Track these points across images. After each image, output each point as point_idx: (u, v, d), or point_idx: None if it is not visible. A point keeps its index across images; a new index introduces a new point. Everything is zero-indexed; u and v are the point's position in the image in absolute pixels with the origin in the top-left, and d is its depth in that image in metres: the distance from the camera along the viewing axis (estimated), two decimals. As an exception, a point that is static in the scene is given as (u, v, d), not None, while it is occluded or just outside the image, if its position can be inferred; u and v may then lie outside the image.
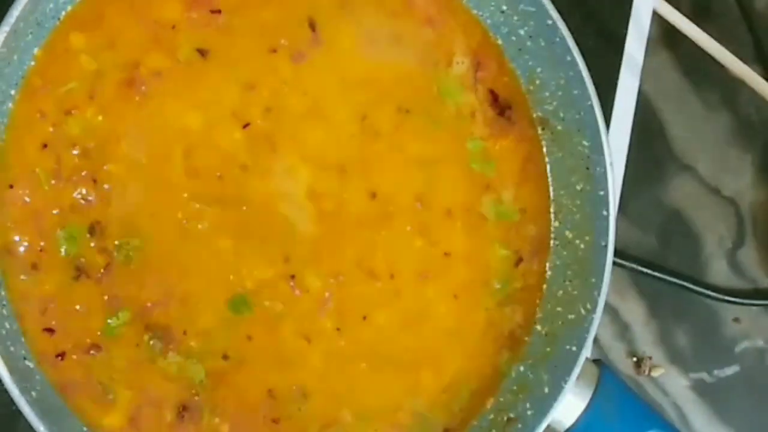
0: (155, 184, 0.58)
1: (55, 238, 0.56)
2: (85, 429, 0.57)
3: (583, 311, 0.61)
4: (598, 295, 0.60)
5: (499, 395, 0.62)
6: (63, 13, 0.57)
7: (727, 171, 0.74)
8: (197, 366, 0.58)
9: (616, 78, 0.70)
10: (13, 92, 0.56)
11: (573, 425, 0.60)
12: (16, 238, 0.56)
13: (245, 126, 0.59)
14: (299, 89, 0.60)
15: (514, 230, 0.63)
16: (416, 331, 0.61)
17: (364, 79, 0.61)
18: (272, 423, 0.59)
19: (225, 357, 0.58)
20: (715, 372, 0.73)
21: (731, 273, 0.74)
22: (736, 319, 0.74)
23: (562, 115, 0.62)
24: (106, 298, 0.57)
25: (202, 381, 0.58)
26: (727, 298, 0.73)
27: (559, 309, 0.62)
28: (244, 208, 0.59)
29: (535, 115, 0.63)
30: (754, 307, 0.74)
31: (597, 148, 0.61)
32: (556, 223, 0.63)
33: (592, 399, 0.60)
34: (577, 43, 0.60)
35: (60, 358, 0.56)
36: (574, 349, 0.60)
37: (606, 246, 0.60)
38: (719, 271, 0.74)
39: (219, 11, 0.59)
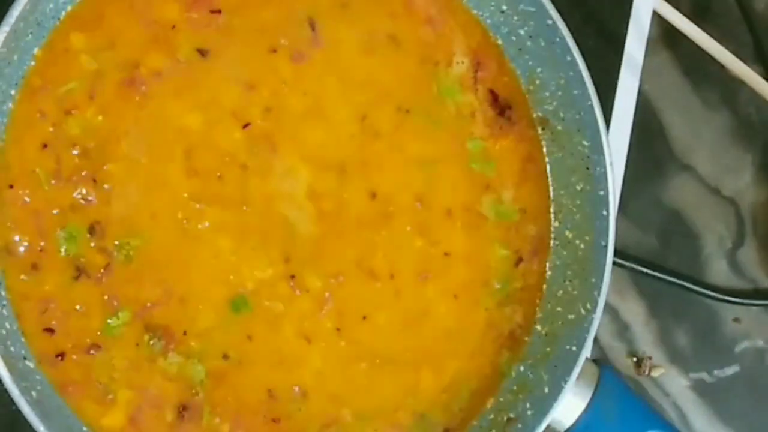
0: (155, 184, 0.58)
1: (55, 238, 0.56)
2: (85, 429, 0.57)
3: (583, 311, 0.61)
4: (598, 295, 0.60)
5: (499, 395, 0.62)
6: (63, 13, 0.57)
7: (727, 171, 0.74)
8: (197, 366, 0.58)
9: (616, 78, 0.70)
10: (13, 92, 0.56)
11: (573, 425, 0.60)
12: (16, 238, 0.56)
13: (245, 126, 0.59)
14: (299, 89, 0.60)
15: (514, 230, 0.63)
16: (416, 331, 0.61)
17: (364, 79, 0.61)
18: (272, 423, 0.59)
19: (225, 357, 0.58)
20: (715, 372, 0.73)
21: (731, 273, 0.74)
22: (736, 319, 0.74)
23: (562, 115, 0.62)
24: (106, 298, 0.57)
25: (203, 381, 0.58)
26: (727, 298, 0.73)
27: (559, 309, 0.62)
28: (244, 208, 0.59)
29: (535, 115, 0.63)
30: (754, 307, 0.74)
31: (597, 148, 0.61)
32: (556, 223, 0.63)
33: (592, 399, 0.60)
34: (577, 43, 0.60)
35: (60, 358, 0.56)
36: (574, 349, 0.60)
37: (606, 246, 0.60)
38: (719, 271, 0.74)
39: (219, 11, 0.59)
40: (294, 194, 0.59)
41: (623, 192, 0.71)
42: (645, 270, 0.71)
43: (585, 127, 0.61)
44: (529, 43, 0.62)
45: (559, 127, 0.62)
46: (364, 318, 0.60)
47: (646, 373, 0.72)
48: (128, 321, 0.57)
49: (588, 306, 0.60)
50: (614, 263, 0.63)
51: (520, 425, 0.60)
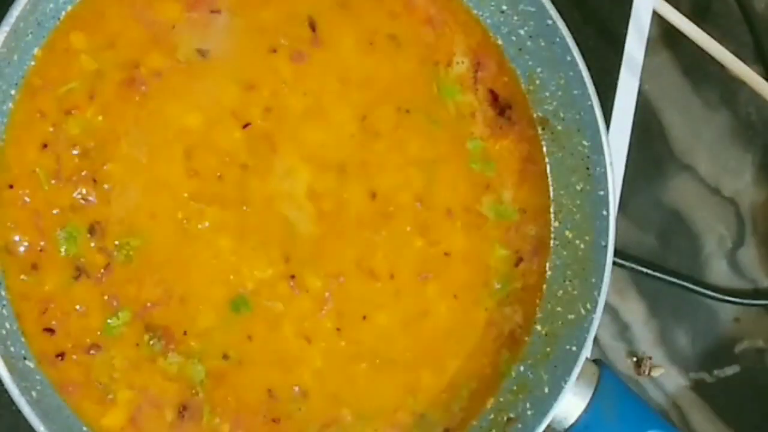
0: (155, 184, 0.58)
1: (55, 238, 0.56)
2: (85, 429, 0.57)
3: (583, 311, 0.61)
4: (598, 295, 0.60)
5: (499, 395, 0.62)
6: (63, 13, 0.57)
7: (727, 171, 0.74)
8: (197, 366, 0.58)
9: (616, 78, 0.70)
10: (13, 92, 0.56)
11: (573, 425, 0.60)
12: (16, 238, 0.56)
13: (245, 126, 0.59)
14: (299, 89, 0.60)
15: (514, 230, 0.63)
16: (416, 331, 0.61)
17: (364, 79, 0.61)
18: (272, 423, 0.59)
19: (225, 357, 0.58)
20: (715, 372, 0.73)
21: (731, 273, 0.74)
22: (736, 319, 0.74)
23: (562, 115, 0.62)
24: (106, 298, 0.57)
25: (203, 381, 0.58)
26: (727, 298, 0.73)
27: (559, 309, 0.62)
28: (245, 208, 0.59)
29: (535, 115, 0.63)
30: (754, 307, 0.74)
31: (597, 148, 0.61)
32: (556, 223, 0.63)
33: (592, 399, 0.60)
34: (577, 43, 0.60)
35: (60, 358, 0.56)
36: (574, 349, 0.60)
37: (606, 246, 0.60)
38: (719, 271, 0.74)
39: (219, 11, 0.59)
40: (294, 194, 0.59)
41: (623, 192, 0.71)
42: (645, 270, 0.71)
43: (585, 127, 0.61)
44: (529, 43, 0.62)
45: (559, 127, 0.62)
46: (364, 318, 0.60)
47: (646, 373, 0.72)
48: (128, 321, 0.57)
49: (588, 306, 0.60)
50: (614, 263, 0.63)
51: (520, 425, 0.60)
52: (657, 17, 0.70)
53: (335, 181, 0.60)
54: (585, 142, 0.61)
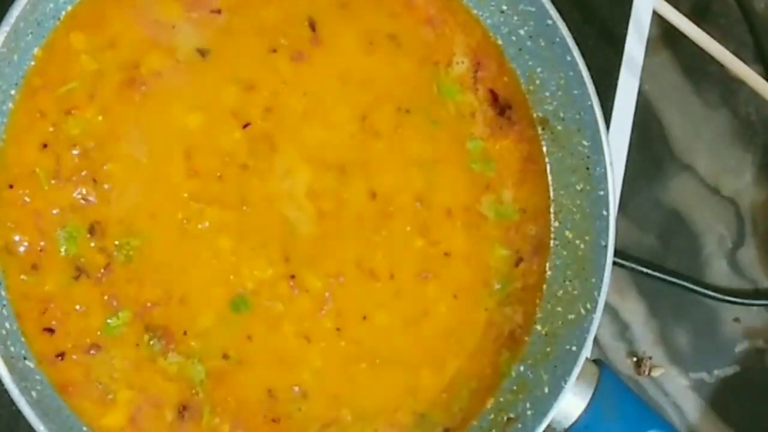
0: (155, 184, 0.58)
1: (55, 238, 0.56)
2: (85, 429, 0.57)
3: (583, 311, 0.61)
4: (598, 295, 0.60)
5: (499, 395, 0.62)
6: (63, 13, 0.57)
7: (727, 171, 0.74)
8: (197, 366, 0.58)
9: (616, 78, 0.70)
10: (13, 92, 0.56)
11: (573, 425, 0.60)
12: (16, 238, 0.56)
13: (245, 126, 0.59)
14: (299, 89, 0.60)
15: (514, 230, 0.63)
16: (416, 331, 0.61)
17: (364, 79, 0.61)
18: (272, 423, 0.59)
19: (225, 357, 0.58)
20: (715, 372, 0.73)
21: (731, 273, 0.74)
22: (736, 319, 0.74)
23: (562, 115, 0.62)
24: (106, 298, 0.57)
25: (203, 381, 0.58)
26: (727, 298, 0.73)
27: (559, 309, 0.62)
28: (244, 208, 0.59)
29: (535, 115, 0.63)
30: (754, 307, 0.74)
31: (597, 148, 0.61)
32: (556, 223, 0.63)
33: (592, 399, 0.60)
34: (577, 43, 0.60)
35: (60, 358, 0.56)
36: (574, 349, 0.60)
37: (606, 246, 0.60)
38: (719, 271, 0.74)
39: (219, 11, 0.59)
40: (294, 194, 0.59)
41: (623, 192, 0.71)
42: (645, 270, 0.71)
43: (585, 127, 0.61)
44: (529, 43, 0.62)
45: (559, 127, 0.62)
46: (364, 318, 0.60)
47: (646, 373, 0.72)
48: (128, 321, 0.57)
49: (588, 306, 0.60)
50: (614, 263, 0.63)
51: (520, 425, 0.60)
52: (657, 17, 0.70)
53: (335, 181, 0.60)
54: (585, 142, 0.61)
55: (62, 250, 0.57)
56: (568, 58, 0.60)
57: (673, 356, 0.73)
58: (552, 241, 0.63)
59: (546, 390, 0.60)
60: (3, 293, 0.56)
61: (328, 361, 0.60)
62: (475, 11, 0.62)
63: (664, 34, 0.72)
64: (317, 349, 0.60)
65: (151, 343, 0.57)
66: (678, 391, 0.73)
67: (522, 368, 0.62)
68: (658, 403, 0.72)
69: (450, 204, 0.62)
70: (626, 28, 0.70)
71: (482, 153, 0.62)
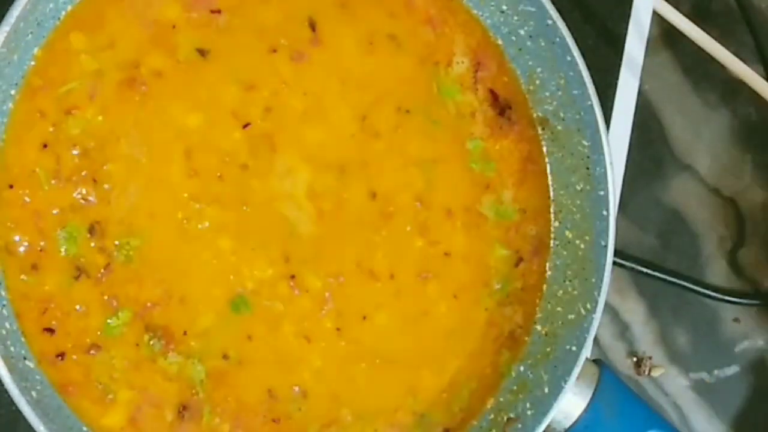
0: (155, 184, 0.58)
1: (55, 238, 0.56)
2: (85, 429, 0.57)
3: (583, 311, 0.61)
4: (598, 295, 0.60)
5: (499, 395, 0.62)
6: (63, 13, 0.57)
7: (727, 171, 0.74)
8: (197, 366, 0.58)
9: (616, 78, 0.70)
10: (13, 92, 0.56)
11: (573, 425, 0.60)
12: (16, 238, 0.56)
13: (245, 126, 0.59)
14: (299, 89, 0.60)
15: (514, 230, 0.63)
16: (416, 331, 0.61)
17: (364, 79, 0.61)
18: (272, 423, 0.59)
19: (225, 357, 0.58)
20: (715, 372, 0.73)
21: (731, 273, 0.74)
22: (736, 319, 0.74)
23: (562, 115, 0.62)
24: (106, 298, 0.57)
25: (203, 381, 0.58)
26: (727, 298, 0.73)
27: (559, 309, 0.62)
28: (244, 208, 0.59)
29: (535, 115, 0.63)
30: (754, 307, 0.74)
31: (597, 148, 0.61)
32: (556, 223, 0.63)
33: (592, 399, 0.60)
34: (577, 43, 0.60)
35: (60, 358, 0.56)
36: (574, 349, 0.60)
37: (606, 246, 0.60)
38: (719, 271, 0.74)
39: (219, 11, 0.59)
40: (294, 194, 0.59)
41: (623, 192, 0.71)
42: (645, 270, 0.71)
43: (585, 127, 0.61)
44: (529, 43, 0.62)
45: (559, 127, 0.62)
46: (364, 318, 0.60)
47: (646, 373, 0.72)
48: (128, 321, 0.57)
49: (588, 306, 0.60)
50: (614, 263, 0.63)
51: (520, 425, 0.60)
52: (657, 17, 0.70)
53: (335, 181, 0.60)
54: (585, 142, 0.61)
55: (62, 250, 0.57)
56: (568, 58, 0.60)
57: (673, 356, 0.73)
58: (552, 241, 0.63)
59: (546, 390, 0.60)
60: (3, 293, 0.56)
61: (328, 361, 0.60)
62: (475, 11, 0.62)
63: (664, 34, 0.72)
64: (317, 349, 0.60)
65: (151, 343, 0.57)
66: (678, 391, 0.73)
67: (522, 368, 0.62)
68: (658, 403, 0.72)
69: (450, 204, 0.62)
70: (626, 28, 0.70)
71: (482, 153, 0.62)
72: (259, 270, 0.59)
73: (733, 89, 0.74)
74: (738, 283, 0.74)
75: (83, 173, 0.57)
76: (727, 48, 0.67)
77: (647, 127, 0.72)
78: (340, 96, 0.60)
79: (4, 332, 0.55)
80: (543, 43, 0.61)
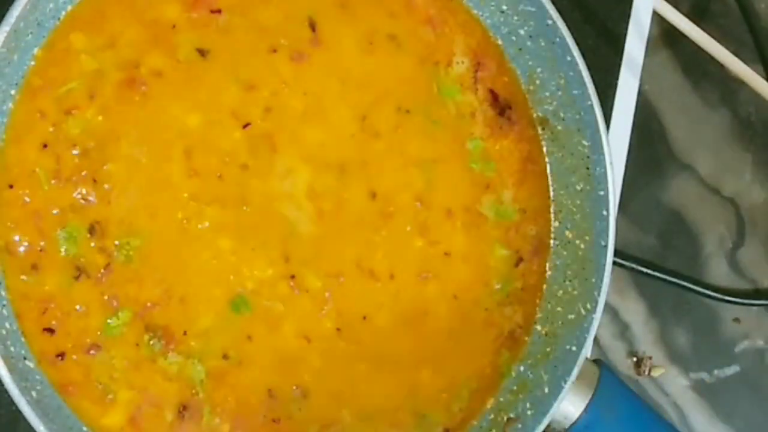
0: (155, 184, 0.58)
1: (55, 238, 0.56)
2: (85, 429, 0.57)
3: (583, 311, 0.61)
4: (598, 295, 0.60)
5: (499, 395, 0.62)
6: (63, 13, 0.57)
7: (727, 171, 0.74)
8: (197, 366, 0.58)
9: (616, 78, 0.70)
10: (13, 92, 0.56)
11: (573, 425, 0.60)
12: (16, 238, 0.56)
13: (245, 126, 0.59)
14: (299, 89, 0.60)
15: (514, 230, 0.63)
16: (416, 331, 0.61)
17: (364, 79, 0.61)
18: (272, 423, 0.59)
19: (225, 357, 0.58)
20: (715, 372, 0.73)
21: (731, 273, 0.74)
22: (736, 319, 0.74)
23: (562, 115, 0.62)
24: (106, 298, 0.57)
25: (203, 381, 0.58)
26: (727, 298, 0.73)
27: (559, 309, 0.62)
28: (245, 208, 0.59)
29: (535, 115, 0.63)
30: (754, 307, 0.74)
31: (597, 148, 0.61)
32: (556, 223, 0.63)
33: (592, 399, 0.60)
34: (577, 43, 0.60)
35: (60, 358, 0.56)
36: (574, 349, 0.60)
37: (606, 246, 0.60)
38: (719, 271, 0.74)
39: (219, 11, 0.59)
40: (294, 194, 0.59)
41: (623, 192, 0.71)
42: (645, 270, 0.71)
43: (585, 127, 0.61)
44: (529, 43, 0.62)
45: (559, 127, 0.62)
46: (364, 318, 0.60)
47: (646, 373, 0.72)
48: (128, 321, 0.57)
49: (588, 306, 0.60)
50: (614, 263, 0.63)
51: (520, 425, 0.60)
52: (657, 17, 0.70)
53: (335, 181, 0.60)
54: (585, 142, 0.61)
55: (62, 250, 0.57)
56: (568, 58, 0.60)
57: (673, 356, 0.73)
58: (552, 241, 0.63)
59: (546, 390, 0.60)
60: (3, 293, 0.56)
61: (328, 361, 0.60)
62: (475, 11, 0.62)
63: (664, 34, 0.72)
64: (317, 349, 0.60)
65: (151, 343, 0.57)
66: (678, 391, 0.73)
67: (522, 368, 0.62)
68: (658, 403, 0.72)
69: (450, 204, 0.62)
70: (626, 28, 0.70)
71: (482, 153, 0.62)
72: (259, 270, 0.59)
73: (733, 89, 0.74)
74: (738, 283, 0.74)
75: (83, 173, 0.57)
76: (727, 48, 0.67)
77: (647, 127, 0.72)
78: (340, 96, 0.60)
79: (4, 332, 0.55)
80: (543, 43, 0.61)
